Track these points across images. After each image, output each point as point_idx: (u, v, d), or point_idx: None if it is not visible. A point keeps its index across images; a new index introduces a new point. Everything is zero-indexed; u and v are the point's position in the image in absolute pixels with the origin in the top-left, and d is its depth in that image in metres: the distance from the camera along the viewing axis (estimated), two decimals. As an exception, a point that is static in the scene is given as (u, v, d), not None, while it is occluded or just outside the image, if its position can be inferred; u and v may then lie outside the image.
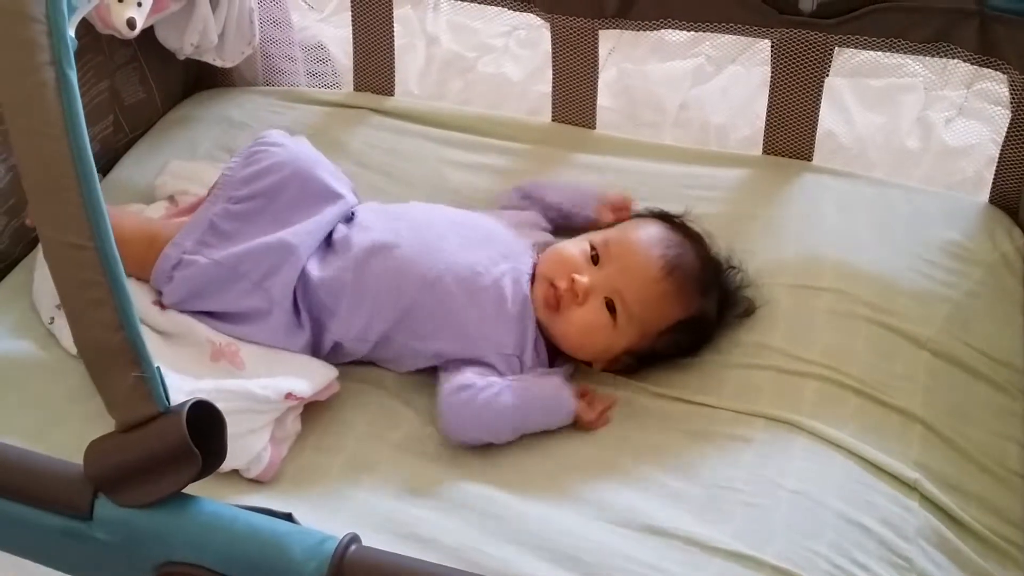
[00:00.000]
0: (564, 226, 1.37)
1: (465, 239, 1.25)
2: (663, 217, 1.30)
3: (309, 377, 1.17)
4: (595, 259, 1.22)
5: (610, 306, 1.19)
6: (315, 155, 1.32)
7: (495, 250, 1.25)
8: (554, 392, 1.17)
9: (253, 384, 1.13)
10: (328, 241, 1.25)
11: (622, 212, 1.35)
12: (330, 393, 1.19)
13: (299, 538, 0.72)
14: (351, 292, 1.20)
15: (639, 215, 1.33)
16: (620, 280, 1.19)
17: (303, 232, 1.22)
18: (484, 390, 1.15)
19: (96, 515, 0.74)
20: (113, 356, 0.74)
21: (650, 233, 1.25)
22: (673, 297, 1.20)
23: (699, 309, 1.22)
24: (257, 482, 1.13)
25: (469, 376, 1.17)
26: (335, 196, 1.27)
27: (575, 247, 1.24)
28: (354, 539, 0.72)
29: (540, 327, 1.23)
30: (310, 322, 1.21)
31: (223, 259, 1.20)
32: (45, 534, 0.77)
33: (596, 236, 1.26)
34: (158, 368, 0.73)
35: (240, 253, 1.20)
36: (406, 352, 1.22)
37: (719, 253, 1.28)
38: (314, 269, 1.21)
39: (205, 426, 0.74)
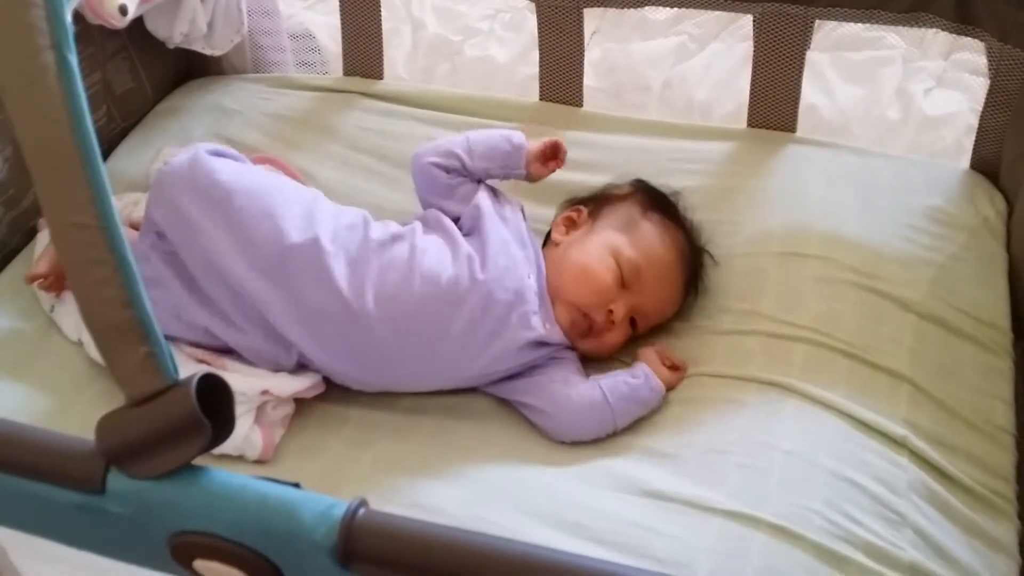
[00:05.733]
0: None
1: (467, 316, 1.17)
2: (664, 205, 1.31)
3: (292, 377, 1.18)
4: (621, 279, 1.22)
5: (632, 322, 1.24)
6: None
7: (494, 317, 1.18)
8: (648, 396, 1.18)
9: (234, 377, 1.15)
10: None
11: (555, 161, 1.32)
12: (314, 393, 1.20)
13: (309, 504, 0.72)
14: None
15: (635, 191, 1.32)
16: (649, 305, 1.23)
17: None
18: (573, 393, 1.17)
19: (109, 488, 0.74)
20: (122, 332, 0.74)
21: (671, 251, 1.25)
22: (681, 299, 1.27)
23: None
24: (260, 463, 1.15)
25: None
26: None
27: (606, 270, 1.21)
28: (363, 503, 0.73)
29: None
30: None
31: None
32: (59, 510, 0.77)
33: (622, 253, 1.22)
34: (167, 343, 0.75)
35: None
36: None
37: (700, 235, 1.32)
38: (309, 346, 1.16)
39: (213, 398, 0.75)
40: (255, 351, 1.18)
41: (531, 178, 1.32)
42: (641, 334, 1.26)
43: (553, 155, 1.31)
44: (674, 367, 1.21)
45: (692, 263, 1.28)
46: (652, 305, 1.24)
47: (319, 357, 1.17)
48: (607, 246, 1.24)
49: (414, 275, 1.17)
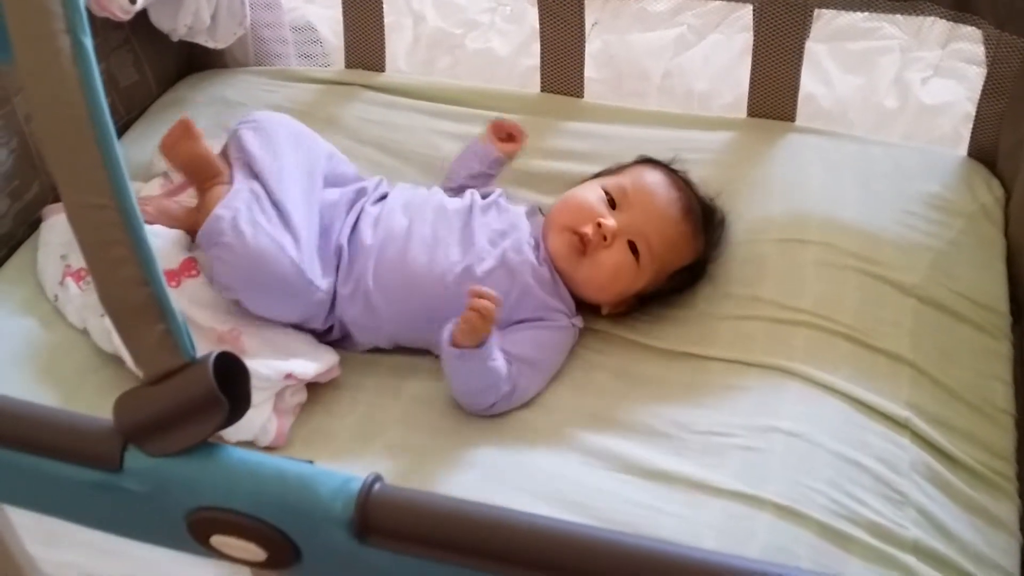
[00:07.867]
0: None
1: (463, 228, 1.26)
2: (657, 163, 1.34)
3: (311, 360, 1.20)
4: (611, 203, 1.25)
5: (633, 248, 1.23)
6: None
7: (490, 231, 1.27)
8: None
9: (258, 364, 1.16)
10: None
11: (514, 136, 1.42)
12: (331, 376, 1.21)
13: (325, 478, 0.73)
14: (364, 307, 1.23)
15: (635, 163, 1.36)
16: (643, 223, 1.23)
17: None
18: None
19: (126, 466, 0.74)
20: (139, 311, 0.74)
21: (660, 178, 1.29)
22: (690, 238, 1.26)
23: (704, 249, 1.28)
24: (271, 448, 1.16)
25: None
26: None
27: (590, 193, 1.27)
28: (378, 478, 0.74)
29: (560, 275, 1.25)
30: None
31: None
32: (76, 489, 0.77)
33: (607, 181, 1.28)
34: (183, 321, 0.75)
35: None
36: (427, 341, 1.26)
37: (707, 194, 1.33)
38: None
39: (229, 376, 0.76)
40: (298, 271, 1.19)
41: (503, 154, 1.42)
42: (652, 270, 1.25)
43: (506, 134, 1.42)
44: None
45: (694, 198, 1.29)
46: (649, 224, 1.23)
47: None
48: (595, 183, 1.30)
49: (429, 204, 1.30)
